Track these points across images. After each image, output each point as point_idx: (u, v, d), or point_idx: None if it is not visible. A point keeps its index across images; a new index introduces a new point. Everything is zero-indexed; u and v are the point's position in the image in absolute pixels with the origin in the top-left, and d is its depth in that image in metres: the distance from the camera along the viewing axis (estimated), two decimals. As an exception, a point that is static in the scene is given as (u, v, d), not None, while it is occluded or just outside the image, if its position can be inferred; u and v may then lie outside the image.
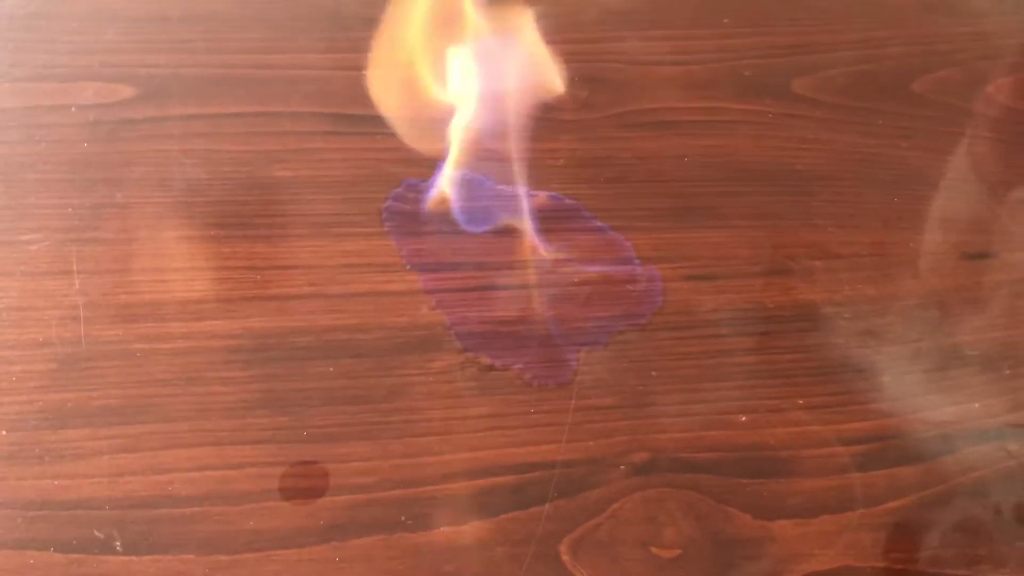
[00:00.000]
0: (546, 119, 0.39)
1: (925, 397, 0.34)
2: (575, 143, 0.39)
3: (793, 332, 0.36)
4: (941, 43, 0.49)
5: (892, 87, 0.46)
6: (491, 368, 0.34)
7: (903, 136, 0.44)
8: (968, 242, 0.40)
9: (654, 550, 0.30)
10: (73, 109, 0.42)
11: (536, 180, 0.37)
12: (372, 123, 0.42)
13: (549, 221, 0.36)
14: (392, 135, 0.42)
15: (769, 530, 0.30)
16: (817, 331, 0.36)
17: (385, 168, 0.40)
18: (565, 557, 0.29)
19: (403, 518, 0.30)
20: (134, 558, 0.29)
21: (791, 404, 0.33)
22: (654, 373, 0.34)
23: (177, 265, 0.36)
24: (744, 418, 0.33)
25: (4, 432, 0.31)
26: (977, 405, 0.34)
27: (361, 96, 0.44)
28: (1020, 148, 0.45)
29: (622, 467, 0.31)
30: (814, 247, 0.39)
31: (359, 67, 0.45)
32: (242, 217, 0.38)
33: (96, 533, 0.29)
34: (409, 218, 0.38)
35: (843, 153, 0.43)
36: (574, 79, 0.44)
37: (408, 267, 0.37)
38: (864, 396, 0.34)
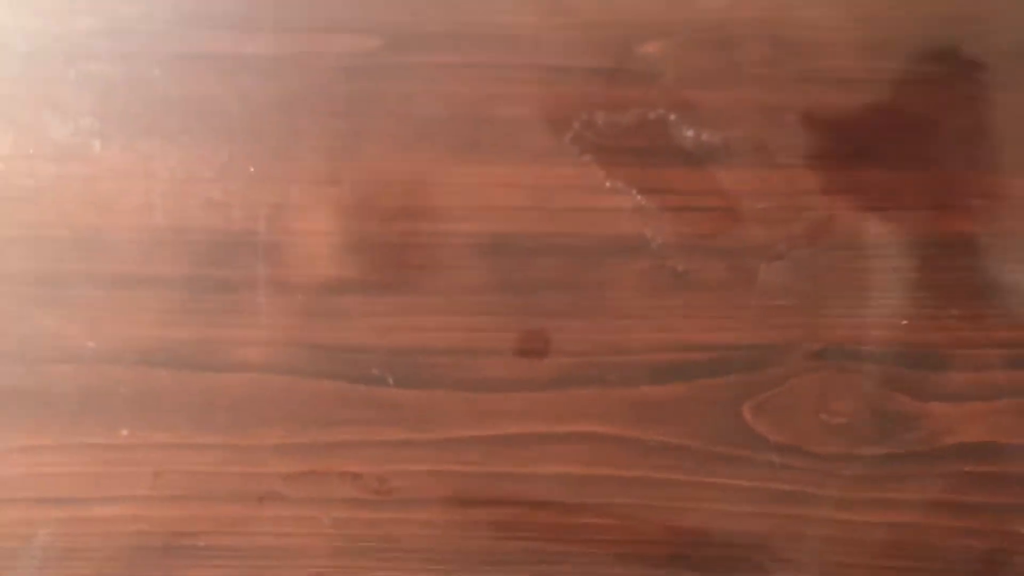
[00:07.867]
0: (734, 72, 0.44)
1: (1066, 315, 0.38)
2: (760, 93, 0.44)
3: (950, 256, 0.40)
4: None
5: (1054, 54, 0.50)
6: (685, 272, 0.40)
7: (1063, 98, 0.48)
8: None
9: (823, 417, 0.35)
10: (333, 56, 0.50)
11: (723, 123, 0.43)
12: (578, 74, 0.50)
13: (736, 156, 0.42)
14: (589, 86, 0.49)
15: (925, 409, 0.35)
16: (971, 257, 0.40)
17: (587, 112, 0.47)
18: (747, 416, 0.35)
19: (613, 377, 0.36)
20: (403, 391, 0.36)
21: (946, 313, 0.38)
22: (827, 282, 0.39)
23: (425, 180, 0.44)
24: (905, 322, 0.38)
25: (300, 296, 0.39)
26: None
27: (567, 50, 0.51)
28: None
29: (798, 353, 0.37)
30: (972, 188, 0.43)
31: (565, 27, 0.52)
32: (475, 145, 0.45)
33: (373, 371, 0.37)
34: (603, 148, 0.45)
35: (1002, 110, 0.47)
36: (760, 38, 0.50)
37: (609, 186, 0.43)
38: (1011, 311, 0.38)
